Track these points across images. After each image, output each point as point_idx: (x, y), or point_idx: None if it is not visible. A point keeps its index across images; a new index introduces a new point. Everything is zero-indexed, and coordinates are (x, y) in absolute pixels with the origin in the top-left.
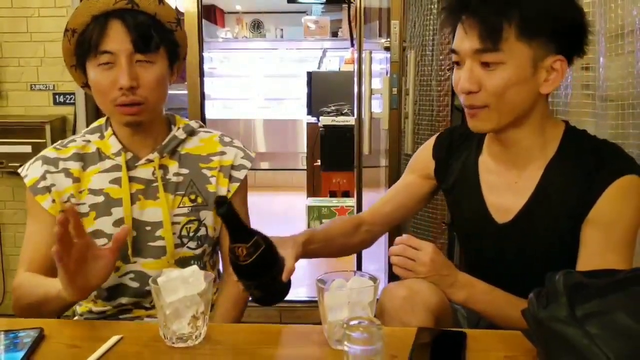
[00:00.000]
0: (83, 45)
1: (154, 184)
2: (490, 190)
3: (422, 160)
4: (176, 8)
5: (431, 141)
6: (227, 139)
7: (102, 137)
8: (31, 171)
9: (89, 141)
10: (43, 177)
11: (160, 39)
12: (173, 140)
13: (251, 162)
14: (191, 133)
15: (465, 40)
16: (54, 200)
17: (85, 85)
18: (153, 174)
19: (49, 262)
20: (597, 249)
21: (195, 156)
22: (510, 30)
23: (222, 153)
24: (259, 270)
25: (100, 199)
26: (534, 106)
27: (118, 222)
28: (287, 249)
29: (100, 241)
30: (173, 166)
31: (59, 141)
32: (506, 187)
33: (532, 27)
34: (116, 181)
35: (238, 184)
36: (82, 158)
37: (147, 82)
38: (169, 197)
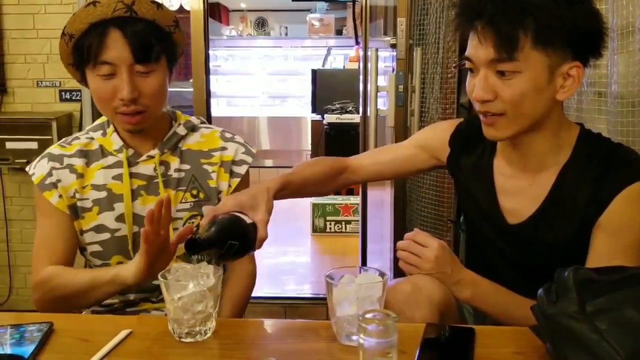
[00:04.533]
0: (81, 52)
1: (156, 180)
2: (504, 194)
3: (436, 141)
4: (181, 6)
5: (449, 127)
6: (228, 135)
7: (104, 134)
8: (38, 169)
9: (92, 138)
10: (49, 174)
11: (160, 47)
12: (174, 137)
13: (252, 157)
14: (192, 129)
15: (479, 49)
16: (60, 196)
17: (82, 80)
18: (154, 170)
19: (68, 255)
20: (606, 254)
21: (197, 152)
22: (526, 40)
23: (223, 148)
24: (232, 258)
25: (103, 194)
26: (550, 113)
27: (120, 218)
28: (258, 213)
29: (103, 235)
30: (174, 162)
31: (64, 139)
32: (520, 191)
33: (548, 36)
34: (119, 177)
35: (239, 179)
36: (86, 155)
37: (148, 91)
38: (170, 193)
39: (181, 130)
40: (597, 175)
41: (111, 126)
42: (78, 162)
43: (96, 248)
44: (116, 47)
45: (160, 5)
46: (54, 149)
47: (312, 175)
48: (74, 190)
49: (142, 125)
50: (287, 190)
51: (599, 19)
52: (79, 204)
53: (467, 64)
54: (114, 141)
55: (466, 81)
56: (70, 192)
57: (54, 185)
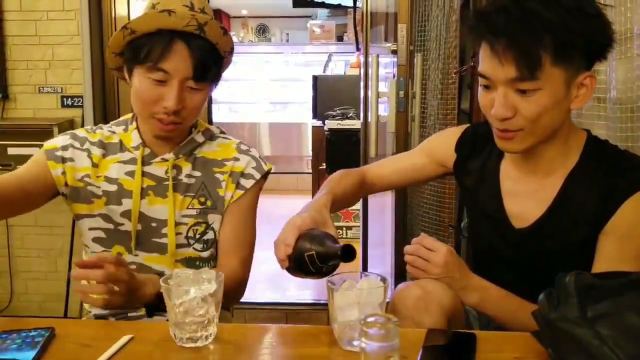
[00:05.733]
0: (138, 51)
1: (165, 183)
2: (510, 197)
3: (442, 148)
4: None
5: (455, 133)
6: (244, 147)
7: (126, 129)
8: (56, 140)
9: (114, 132)
10: (65, 148)
11: (215, 69)
12: (191, 143)
13: (262, 174)
14: (210, 137)
15: (499, 69)
16: (64, 173)
17: (117, 69)
18: (166, 172)
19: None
20: (612, 259)
21: (210, 160)
22: (546, 57)
23: (236, 159)
24: (331, 270)
25: (114, 187)
26: (563, 121)
27: (126, 213)
28: (329, 227)
29: (109, 225)
30: (186, 168)
31: (90, 126)
32: (527, 195)
33: (567, 51)
34: (131, 174)
35: (243, 191)
36: (105, 146)
37: (192, 106)
38: (177, 197)
39: (199, 138)
40: (605, 180)
41: (134, 123)
42: (96, 151)
43: (100, 234)
44: (178, 60)
45: (226, 32)
46: (79, 131)
47: (348, 187)
48: (84, 175)
49: (173, 134)
50: (334, 205)
51: (611, 27)
52: (89, 188)
53: (482, 81)
54: (133, 138)
55: (478, 96)
56: (78, 175)
57: (63, 160)
